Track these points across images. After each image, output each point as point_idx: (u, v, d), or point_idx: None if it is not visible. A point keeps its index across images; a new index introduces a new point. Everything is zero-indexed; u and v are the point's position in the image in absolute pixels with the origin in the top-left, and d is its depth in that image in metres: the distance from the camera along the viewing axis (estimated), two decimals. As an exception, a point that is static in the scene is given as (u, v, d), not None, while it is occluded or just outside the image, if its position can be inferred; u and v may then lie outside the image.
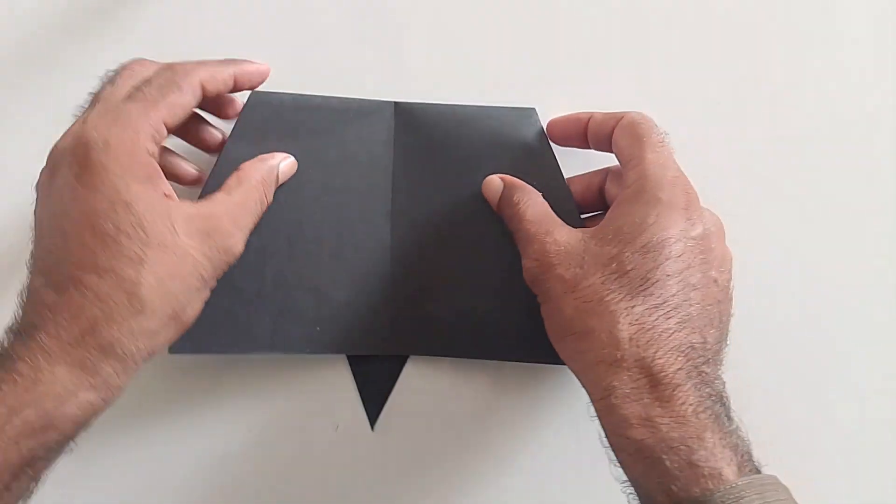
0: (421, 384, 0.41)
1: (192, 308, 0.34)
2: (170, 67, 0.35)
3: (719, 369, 0.33)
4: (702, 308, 0.33)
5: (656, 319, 0.32)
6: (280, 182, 0.39)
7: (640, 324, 0.32)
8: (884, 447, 0.42)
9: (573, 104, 0.41)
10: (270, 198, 0.38)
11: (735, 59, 0.43)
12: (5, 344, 0.30)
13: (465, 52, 0.41)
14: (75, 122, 0.33)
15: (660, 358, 0.32)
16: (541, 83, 0.42)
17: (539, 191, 0.39)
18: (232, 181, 0.36)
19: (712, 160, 0.42)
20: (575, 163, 0.41)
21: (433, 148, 0.40)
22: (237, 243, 0.35)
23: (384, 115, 0.40)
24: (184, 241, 0.32)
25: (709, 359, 0.33)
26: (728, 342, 0.34)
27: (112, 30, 0.41)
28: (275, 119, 0.39)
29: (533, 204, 0.38)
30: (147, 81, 0.34)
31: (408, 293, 0.40)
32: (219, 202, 0.35)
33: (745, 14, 0.43)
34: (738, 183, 0.43)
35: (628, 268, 0.33)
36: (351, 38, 0.41)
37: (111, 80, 0.34)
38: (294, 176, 0.39)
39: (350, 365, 0.41)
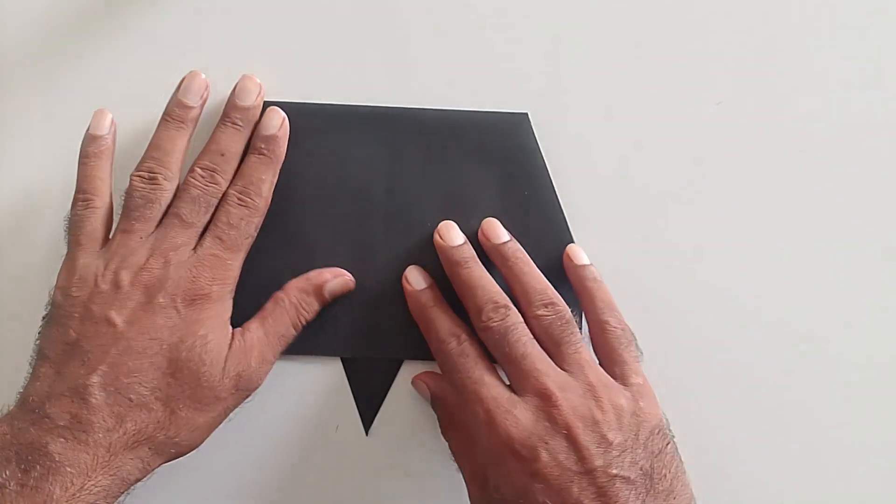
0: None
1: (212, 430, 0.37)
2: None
3: None
4: None
5: None
6: (333, 297, 0.40)
7: None
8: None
9: (567, 109, 0.42)
10: (310, 316, 0.39)
11: (731, 64, 0.42)
12: None
13: (459, 58, 0.42)
14: None
15: None
16: (534, 88, 0.42)
17: (528, 197, 0.40)
18: (269, 305, 0.39)
19: (705, 166, 0.42)
20: (567, 169, 0.41)
21: (426, 153, 0.41)
22: (260, 380, 0.38)
23: (380, 120, 0.41)
24: (226, 387, 0.36)
25: None
26: None
27: (116, 34, 0.42)
28: None
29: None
30: None
31: (402, 297, 0.41)
32: (252, 335, 0.38)
33: (742, 17, 0.42)
34: (733, 187, 0.42)
35: None
36: (348, 47, 0.42)
37: None
38: (293, 178, 0.41)
39: (344, 368, 0.41)
